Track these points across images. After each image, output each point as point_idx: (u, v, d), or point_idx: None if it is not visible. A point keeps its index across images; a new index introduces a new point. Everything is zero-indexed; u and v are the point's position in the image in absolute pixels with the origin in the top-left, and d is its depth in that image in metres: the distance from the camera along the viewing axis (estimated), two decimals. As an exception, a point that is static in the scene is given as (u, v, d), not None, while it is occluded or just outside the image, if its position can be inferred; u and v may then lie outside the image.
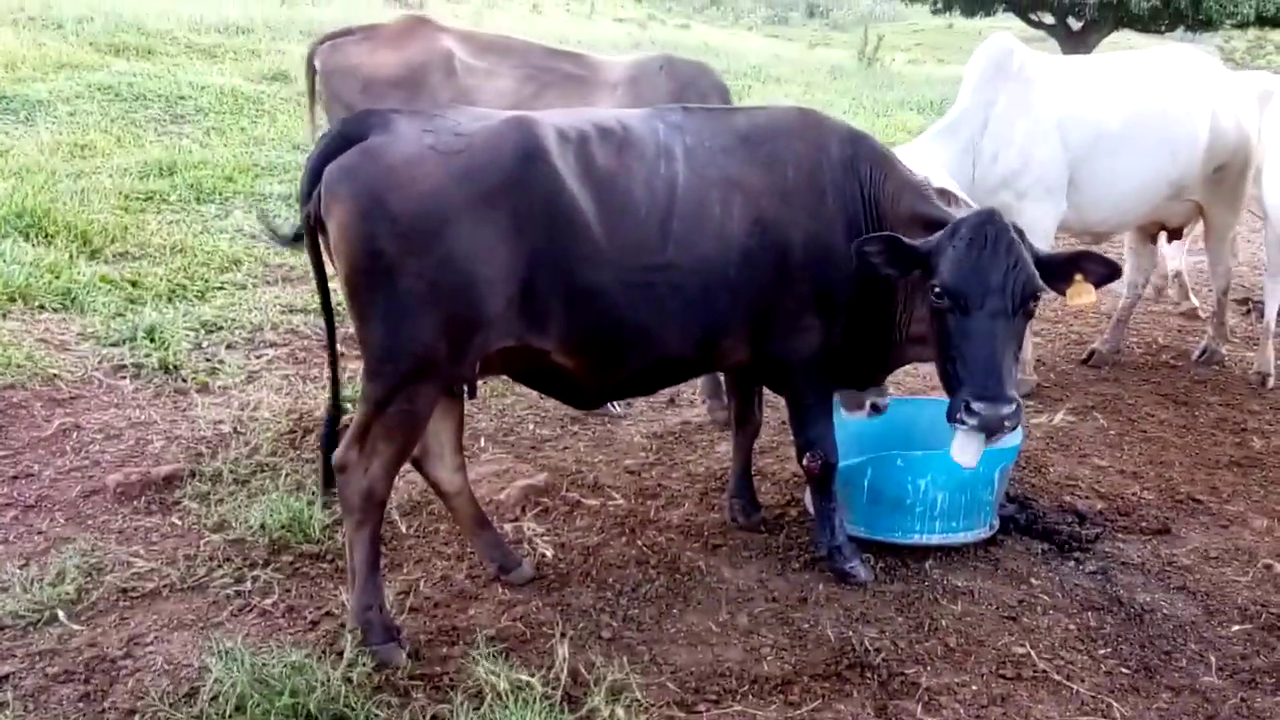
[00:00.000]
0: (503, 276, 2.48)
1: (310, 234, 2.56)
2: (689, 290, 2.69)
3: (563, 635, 2.73)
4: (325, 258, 2.57)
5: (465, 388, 2.75)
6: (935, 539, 3.28)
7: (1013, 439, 3.34)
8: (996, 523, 3.41)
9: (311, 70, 4.61)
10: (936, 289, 2.65)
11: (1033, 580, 3.19)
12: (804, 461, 3.09)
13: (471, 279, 2.45)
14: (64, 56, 10.18)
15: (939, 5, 21.69)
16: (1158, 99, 4.61)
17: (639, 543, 3.35)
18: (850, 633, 2.86)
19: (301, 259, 5.77)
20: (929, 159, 3.92)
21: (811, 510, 3.34)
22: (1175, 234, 5.30)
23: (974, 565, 3.26)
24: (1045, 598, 3.10)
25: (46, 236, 5.45)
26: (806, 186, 2.84)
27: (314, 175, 2.48)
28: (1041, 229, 4.34)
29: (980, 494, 3.29)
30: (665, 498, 3.66)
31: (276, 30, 14.05)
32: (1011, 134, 4.35)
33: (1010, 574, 3.22)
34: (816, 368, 3.01)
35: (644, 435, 4.17)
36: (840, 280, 2.86)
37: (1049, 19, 20.98)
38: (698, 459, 3.98)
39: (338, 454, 2.62)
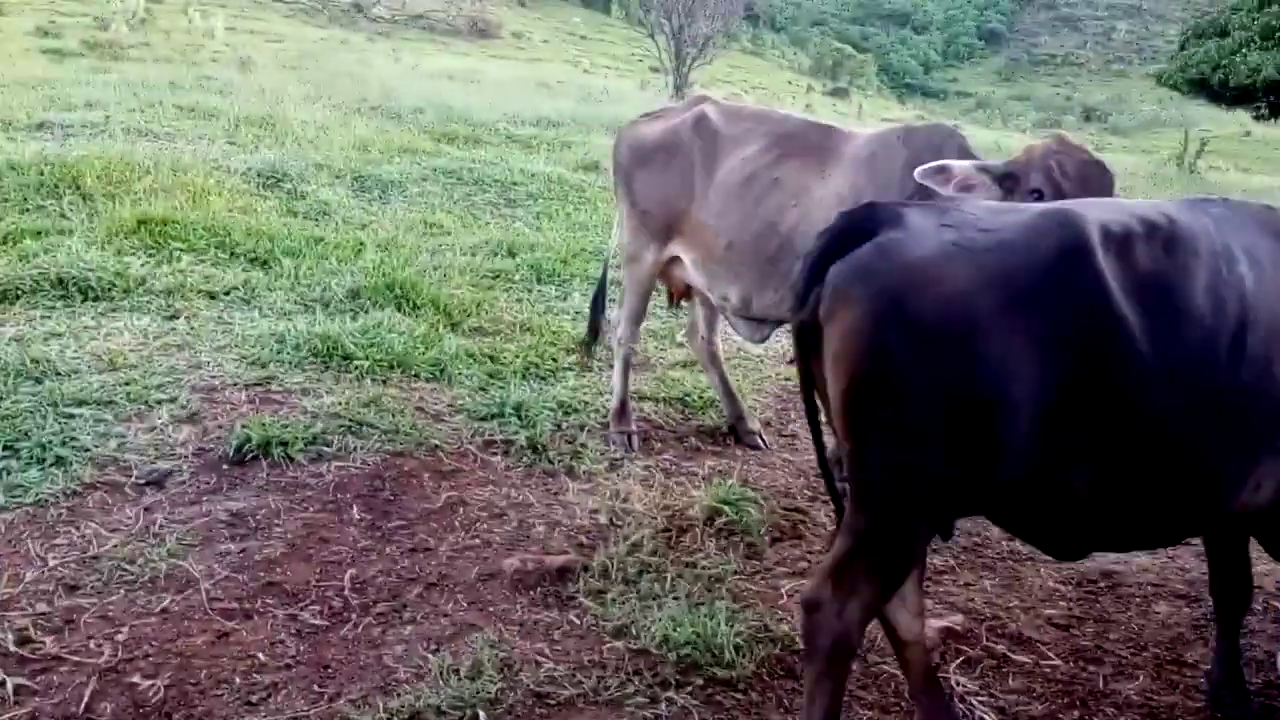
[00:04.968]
0: (1030, 397, 2.07)
1: (801, 340, 2.29)
2: (1258, 419, 2.19)
3: (1052, 836, 2.23)
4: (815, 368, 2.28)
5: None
6: None
7: None
8: None
9: None
10: None
11: None
12: None
13: (995, 397, 2.06)
14: (405, 142, 11.13)
15: (1263, 111, 19.74)
16: None
17: (1097, 720, 2.79)
18: None
19: (648, 345, 5.71)
20: None
21: None
22: None
23: None
24: None
25: (414, 308, 5.69)
26: None
27: (813, 274, 2.22)
28: None
29: None
30: (1111, 665, 3.08)
31: (583, 124, 14.85)
32: None
33: None
34: None
35: (1058, 580, 3.60)
36: None
37: (1404, 128, 18.53)
38: (1134, 618, 3.36)
39: (809, 589, 2.29)
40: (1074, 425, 2.12)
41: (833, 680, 2.26)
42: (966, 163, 3.31)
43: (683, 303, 4.88)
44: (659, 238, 4.35)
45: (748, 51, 53.16)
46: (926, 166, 3.23)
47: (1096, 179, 3.16)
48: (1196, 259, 2.20)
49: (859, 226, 2.18)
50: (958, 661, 3.04)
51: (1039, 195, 3.14)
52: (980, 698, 2.86)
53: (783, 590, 3.39)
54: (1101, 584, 3.59)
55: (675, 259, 4.35)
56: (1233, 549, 2.75)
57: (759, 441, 4.65)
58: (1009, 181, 3.22)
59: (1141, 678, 3.02)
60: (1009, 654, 3.10)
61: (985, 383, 2.04)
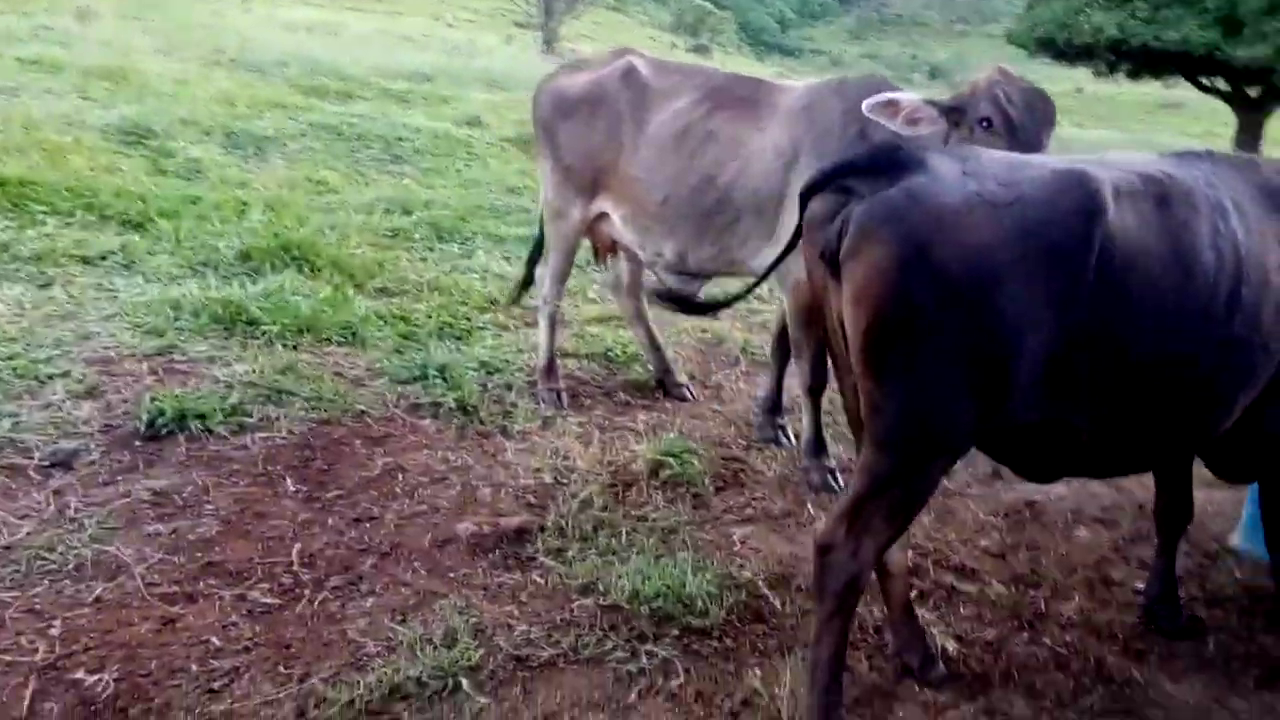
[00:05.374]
0: (1039, 346, 2.14)
1: (819, 269, 2.28)
2: (1240, 368, 2.33)
3: (1029, 752, 2.35)
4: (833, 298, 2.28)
5: None
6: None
7: None
8: None
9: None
10: None
11: None
12: None
13: (1009, 346, 2.11)
14: (273, 97, 10.52)
15: (1103, 69, 21.00)
16: None
17: (1045, 641, 2.95)
18: (1370, 776, 2.40)
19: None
20: None
21: None
22: None
23: None
24: None
25: (314, 270, 5.42)
26: None
27: (825, 179, 2.24)
28: None
29: None
30: (1048, 588, 3.26)
31: (455, 79, 14.40)
32: None
33: None
34: None
35: (986, 512, 3.78)
36: None
37: (1222, 84, 20.08)
38: (1059, 543, 3.57)
39: (822, 532, 2.31)
40: (1084, 373, 2.21)
41: (842, 619, 2.30)
42: (914, 95, 3.35)
43: (608, 258, 4.81)
44: (585, 193, 4.26)
45: (611, 8, 52.62)
46: (875, 99, 3.25)
47: (1041, 106, 3.26)
48: (1197, 215, 2.29)
49: (882, 163, 2.18)
50: (912, 595, 3.14)
51: (988, 123, 3.21)
52: (938, 628, 2.98)
53: (735, 537, 3.43)
54: (1025, 514, 3.79)
55: (603, 215, 4.27)
56: (1178, 474, 2.95)
57: (687, 394, 4.67)
58: (955, 114, 3.28)
59: (1077, 598, 3.21)
60: (955, 585, 3.23)
61: (1003, 332, 2.09)
